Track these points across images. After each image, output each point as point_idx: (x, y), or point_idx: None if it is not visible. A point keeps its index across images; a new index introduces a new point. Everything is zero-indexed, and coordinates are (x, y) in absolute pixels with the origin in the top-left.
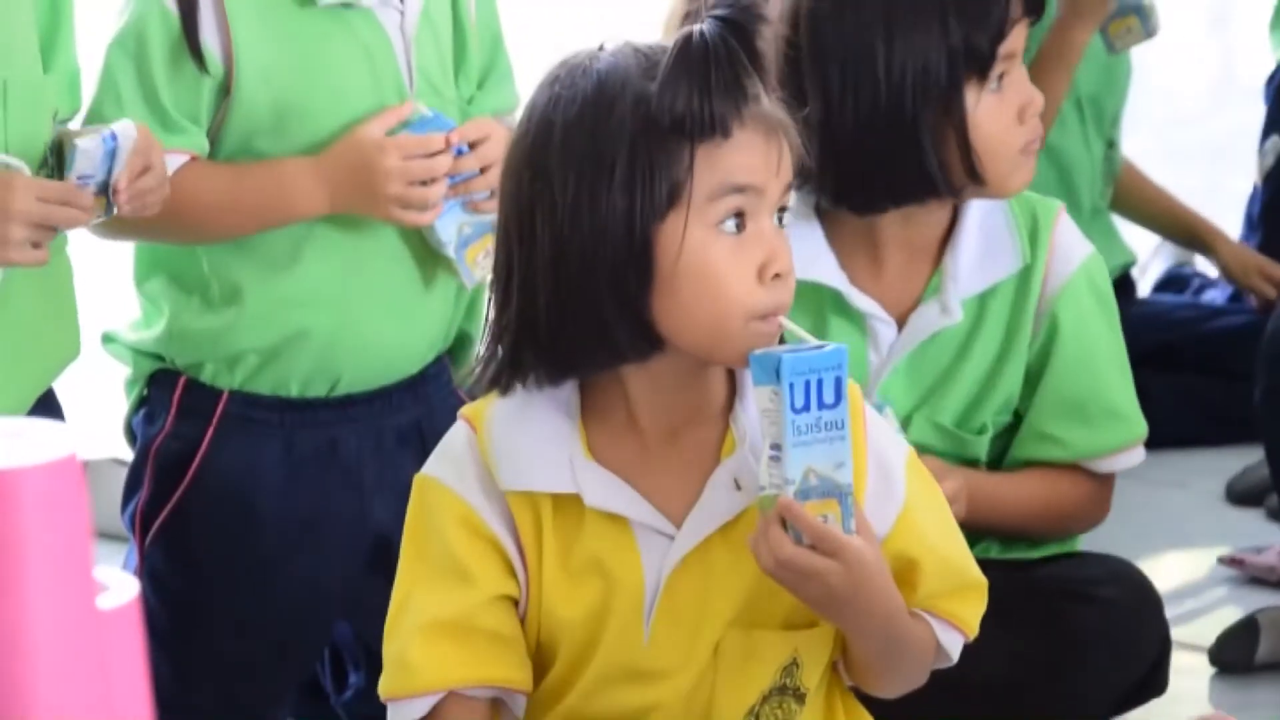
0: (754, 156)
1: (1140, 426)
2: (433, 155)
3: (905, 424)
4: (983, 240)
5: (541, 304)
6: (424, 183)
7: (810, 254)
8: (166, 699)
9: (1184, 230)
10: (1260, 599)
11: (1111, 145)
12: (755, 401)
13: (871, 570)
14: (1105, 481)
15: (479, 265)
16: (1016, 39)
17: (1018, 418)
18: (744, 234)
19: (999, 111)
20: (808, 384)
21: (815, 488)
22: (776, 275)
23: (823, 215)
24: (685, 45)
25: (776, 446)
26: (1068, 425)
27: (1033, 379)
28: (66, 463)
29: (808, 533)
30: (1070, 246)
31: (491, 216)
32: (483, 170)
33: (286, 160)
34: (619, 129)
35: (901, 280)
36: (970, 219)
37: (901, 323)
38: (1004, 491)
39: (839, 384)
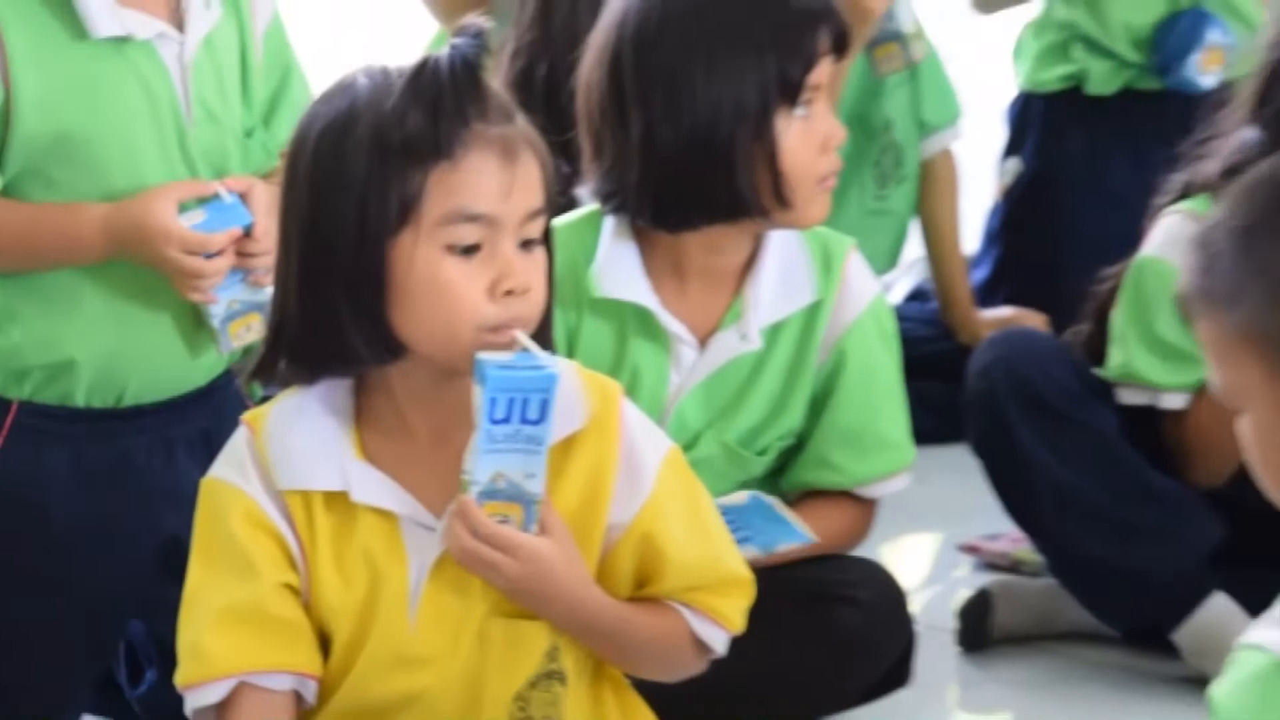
0: (487, 182)
1: (909, 455)
2: (213, 254)
3: (695, 441)
4: (780, 272)
5: (291, 307)
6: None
7: (625, 275)
8: None
9: (939, 277)
10: None
11: (887, 150)
12: (474, 395)
13: (550, 565)
14: (871, 505)
15: (238, 337)
16: (823, 72)
17: (798, 440)
18: (478, 254)
19: (805, 139)
20: (511, 400)
21: (502, 490)
22: (509, 291)
23: (639, 238)
24: (419, 72)
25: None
26: (846, 453)
27: (817, 406)
28: None
29: (479, 531)
30: (860, 285)
31: (262, 296)
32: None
33: (81, 208)
34: (357, 147)
35: (703, 305)
36: (769, 251)
37: (701, 345)
38: None
39: (544, 405)
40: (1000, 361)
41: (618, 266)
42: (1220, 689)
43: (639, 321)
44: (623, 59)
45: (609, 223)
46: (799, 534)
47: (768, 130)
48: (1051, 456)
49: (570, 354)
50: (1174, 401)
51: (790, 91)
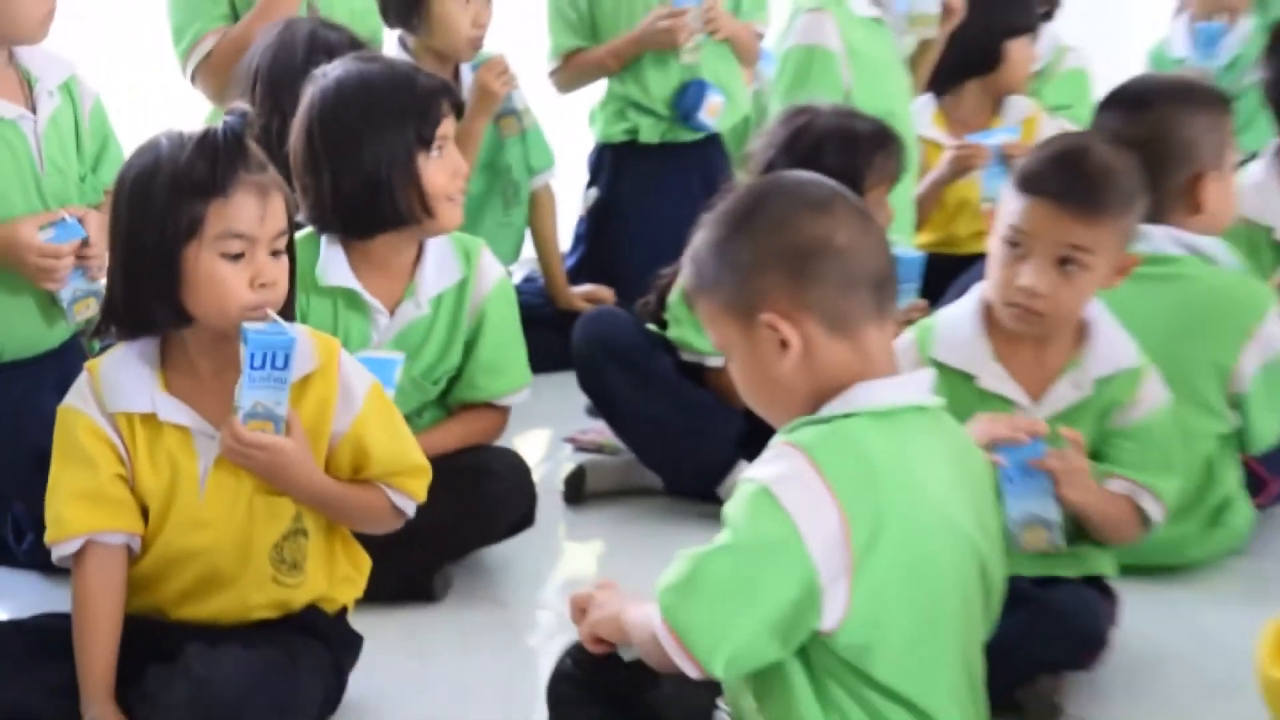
0: (249, 212)
1: (527, 378)
2: (61, 258)
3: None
4: (437, 262)
5: (116, 292)
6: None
7: (338, 270)
8: None
9: (544, 266)
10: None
11: (509, 186)
12: (240, 351)
13: (288, 457)
14: (505, 411)
15: (80, 313)
16: (447, 126)
17: (458, 373)
18: (242, 260)
19: (439, 171)
20: (265, 354)
21: (260, 413)
22: (262, 285)
23: (345, 246)
24: (203, 137)
25: None
26: (487, 378)
27: (468, 349)
28: None
29: (240, 437)
30: (491, 270)
31: (95, 286)
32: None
33: None
34: (160, 187)
35: (390, 287)
36: (430, 249)
37: (391, 314)
38: (426, 443)
39: (288, 357)
40: (594, 333)
41: (333, 265)
42: (728, 506)
43: (348, 300)
44: (313, 131)
45: (324, 237)
46: (392, 360)
47: (413, 168)
48: (630, 393)
49: (304, 322)
50: (714, 362)
51: (425, 141)
